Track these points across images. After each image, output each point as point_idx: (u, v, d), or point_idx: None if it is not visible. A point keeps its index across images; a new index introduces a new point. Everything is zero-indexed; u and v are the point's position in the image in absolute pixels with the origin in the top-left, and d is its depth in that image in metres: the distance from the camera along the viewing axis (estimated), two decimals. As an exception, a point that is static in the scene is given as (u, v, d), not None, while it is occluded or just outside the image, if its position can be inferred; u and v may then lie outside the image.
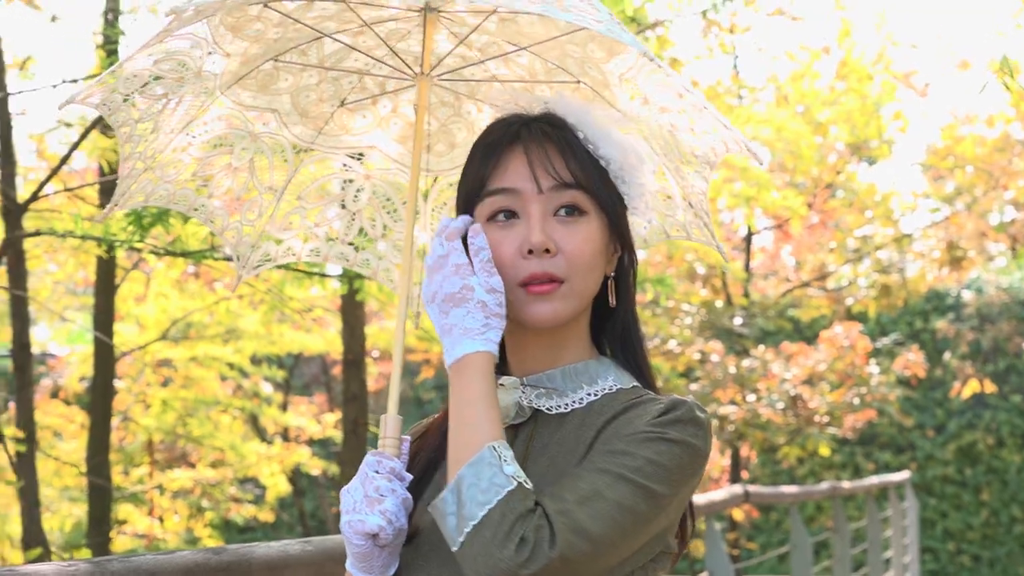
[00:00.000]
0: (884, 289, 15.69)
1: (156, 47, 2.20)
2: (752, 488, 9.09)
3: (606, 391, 2.17)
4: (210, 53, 2.26)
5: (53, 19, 8.52)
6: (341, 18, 2.31)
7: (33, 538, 7.48)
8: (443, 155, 2.58)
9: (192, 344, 10.78)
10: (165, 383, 11.98)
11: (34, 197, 6.86)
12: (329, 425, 12.90)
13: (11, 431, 7.21)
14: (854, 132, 14.73)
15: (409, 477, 2.12)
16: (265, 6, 2.23)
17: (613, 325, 2.24)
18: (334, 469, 12.32)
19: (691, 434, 2.06)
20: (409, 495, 2.08)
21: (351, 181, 2.55)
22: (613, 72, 2.37)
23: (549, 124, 2.16)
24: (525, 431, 2.17)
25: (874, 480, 14.84)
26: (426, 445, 2.27)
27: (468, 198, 2.17)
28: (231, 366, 11.90)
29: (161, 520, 12.26)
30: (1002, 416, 20.78)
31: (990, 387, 19.34)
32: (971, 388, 18.89)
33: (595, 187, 2.13)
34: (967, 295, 20.99)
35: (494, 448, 1.96)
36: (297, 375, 15.93)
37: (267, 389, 13.02)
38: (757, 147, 2.34)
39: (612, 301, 2.21)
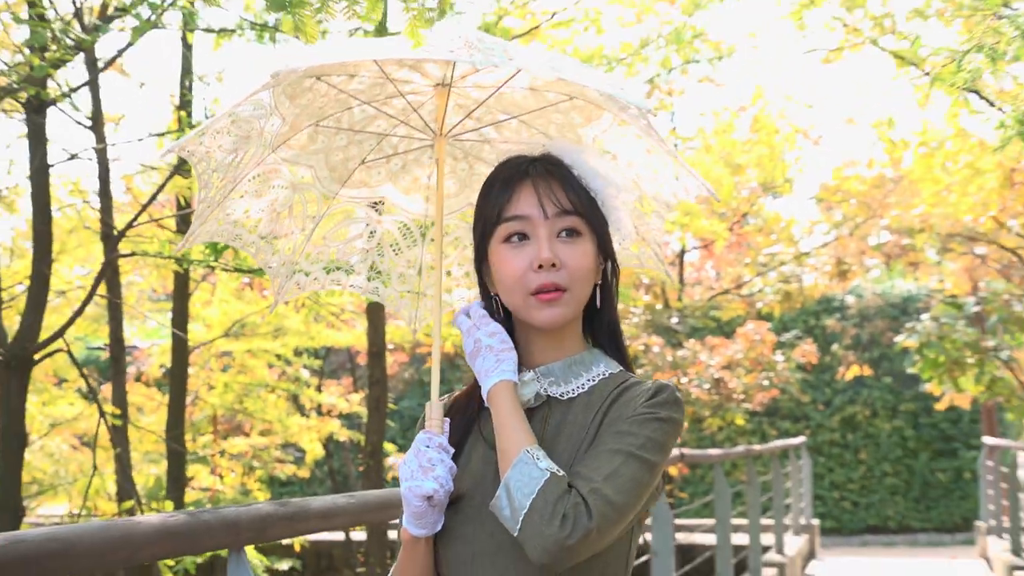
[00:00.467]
0: (786, 295, 15.64)
1: (233, 110, 2.19)
2: (686, 450, 9.09)
3: (601, 376, 2.18)
4: (270, 116, 2.24)
5: (141, 85, 8.47)
6: (372, 92, 2.30)
7: (126, 492, 7.45)
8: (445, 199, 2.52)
9: (248, 339, 10.78)
10: (225, 369, 11.94)
11: (129, 226, 6.80)
12: (355, 403, 12.88)
13: (109, 408, 7.19)
14: (763, 173, 14.81)
15: (452, 450, 2.12)
16: (318, 79, 2.22)
17: (600, 322, 2.23)
18: (359, 437, 12.31)
19: (674, 411, 2.09)
20: (454, 464, 2.10)
21: (367, 225, 2.53)
22: (587, 135, 2.39)
23: (550, 162, 2.17)
24: (540, 413, 2.16)
25: (777, 443, 14.88)
26: (454, 421, 2.24)
27: (486, 224, 2.17)
28: (278, 356, 11.89)
29: (221, 477, 12.23)
30: (876, 393, 21.20)
31: (867, 371, 19.56)
32: (853, 372, 19.04)
33: (588, 213, 2.14)
34: (850, 299, 21.19)
35: (528, 451, 1.99)
36: (328, 363, 15.89)
37: (305, 374, 12.97)
38: (712, 189, 2.33)
39: (599, 304, 2.20)
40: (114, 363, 7.84)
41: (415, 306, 2.58)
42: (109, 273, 7.16)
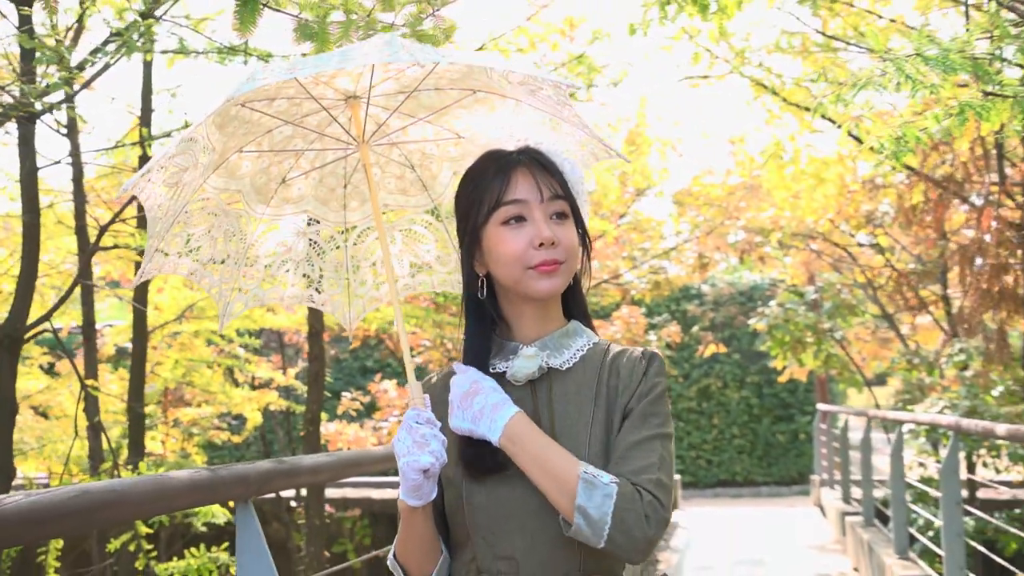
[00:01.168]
0: (655, 284, 15.57)
1: (175, 148, 2.05)
2: None
3: (588, 347, 2.08)
4: (204, 149, 2.10)
5: (112, 99, 8.31)
6: (290, 112, 2.16)
7: (98, 456, 7.35)
8: (356, 210, 2.42)
9: (196, 322, 10.61)
10: (168, 347, 11.75)
11: (111, 222, 6.70)
12: (290, 377, 12.77)
13: (90, 382, 7.05)
14: (640, 180, 14.92)
15: (439, 423, 1.97)
16: (242, 106, 2.09)
17: (576, 297, 2.13)
18: (294, 407, 12.20)
19: (665, 376, 2.05)
20: (444, 437, 1.95)
21: (295, 237, 2.37)
22: (492, 125, 2.27)
23: (535, 153, 2.07)
24: (542, 385, 2.04)
25: None
26: (434, 398, 2.10)
27: (484, 209, 2.04)
28: (221, 336, 11.63)
29: (163, 443, 12.02)
30: (727, 368, 21.32)
31: (721, 348, 19.69)
32: (709, 350, 19.02)
33: (570, 197, 2.06)
34: (707, 288, 21.25)
35: (586, 472, 1.87)
36: (261, 342, 15.72)
37: (241, 352, 12.78)
38: (617, 150, 2.28)
39: (582, 280, 2.13)
40: (86, 341, 7.70)
41: (347, 307, 2.44)
42: (87, 266, 7.07)
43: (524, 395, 2.04)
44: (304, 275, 2.40)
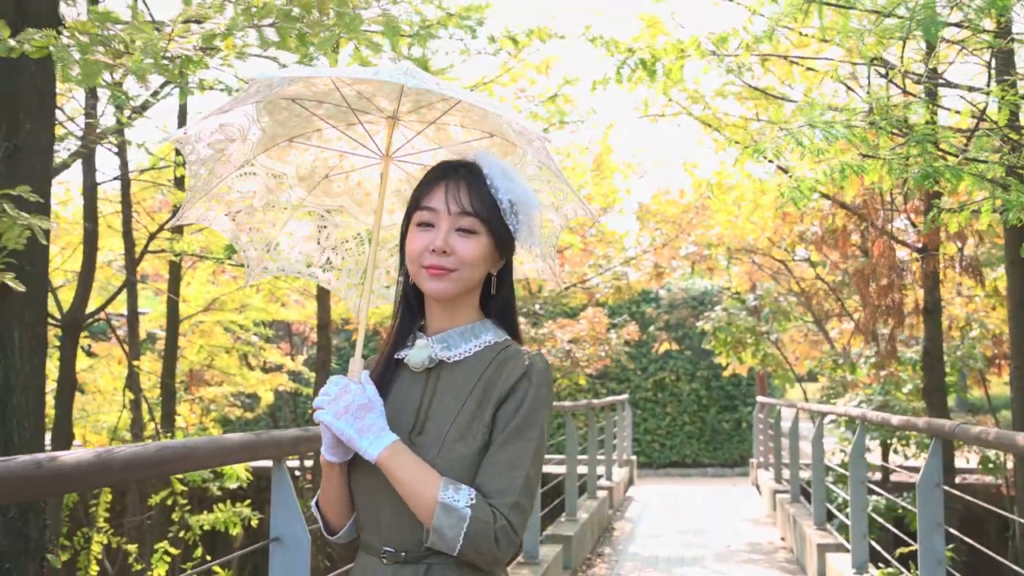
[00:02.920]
0: (617, 289, 15.85)
1: (223, 115, 2.08)
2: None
3: (486, 344, 2.00)
4: (251, 125, 2.12)
5: (158, 127, 8.61)
6: (337, 117, 2.17)
7: (138, 425, 7.67)
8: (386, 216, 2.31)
9: (219, 313, 10.85)
10: (193, 333, 12.00)
11: (160, 229, 7.08)
12: (298, 363, 13.00)
13: (135, 363, 7.36)
14: (604, 199, 15.17)
15: (358, 389, 1.89)
16: (293, 102, 2.11)
17: (495, 301, 2.05)
18: (301, 389, 12.42)
19: (545, 387, 1.94)
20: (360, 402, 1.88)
21: (326, 228, 2.36)
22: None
23: (467, 170, 2.00)
24: (434, 374, 2.00)
25: (608, 399, 14.98)
26: (376, 374, 2.04)
27: (409, 209, 2.02)
28: (240, 326, 11.84)
29: (185, 418, 12.30)
30: (680, 363, 21.16)
31: (675, 346, 19.71)
32: (664, 347, 18.97)
33: (486, 217, 1.96)
34: (663, 293, 21.20)
35: (443, 498, 1.80)
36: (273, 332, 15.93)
37: (255, 340, 13.04)
38: (592, 211, 2.28)
39: (493, 290, 2.03)
40: (130, 328, 8.07)
41: (358, 296, 2.37)
42: (131, 265, 7.44)
43: (417, 381, 2.01)
44: (327, 260, 2.39)
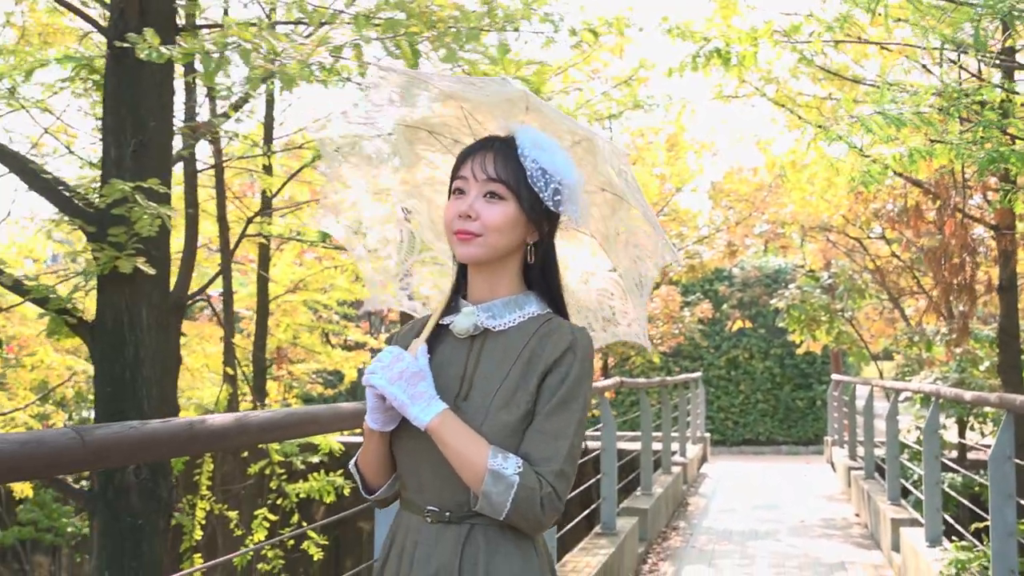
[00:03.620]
0: (691, 267, 15.98)
1: (359, 130, 2.14)
2: (624, 380, 9.69)
3: (529, 316, 2.01)
4: (392, 156, 2.19)
5: (251, 115, 9.00)
6: (461, 131, 2.17)
7: (235, 399, 8.07)
8: None
9: (305, 292, 11.22)
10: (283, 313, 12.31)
11: (258, 213, 7.43)
12: (381, 341, 13.30)
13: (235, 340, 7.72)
14: (678, 178, 15.28)
15: (411, 358, 1.91)
16: (430, 133, 2.14)
17: (534, 272, 2.04)
18: None
19: (587, 361, 1.98)
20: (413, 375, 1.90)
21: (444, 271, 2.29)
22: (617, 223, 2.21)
23: (502, 142, 2.00)
24: (478, 341, 2.01)
25: (682, 376, 15.24)
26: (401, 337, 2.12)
27: (450, 180, 2.03)
28: (324, 306, 12.11)
29: (267, 393, 12.73)
30: (753, 341, 21.19)
31: (748, 324, 19.92)
32: (737, 325, 19.34)
33: (513, 183, 1.95)
34: (736, 271, 21.11)
35: (492, 464, 1.84)
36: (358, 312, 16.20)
37: (336, 319, 13.39)
38: (679, 256, 2.30)
39: (530, 259, 2.02)
40: (225, 307, 8.49)
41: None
42: (226, 245, 7.87)
43: (460, 347, 2.02)
44: (426, 298, 2.34)
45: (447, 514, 1.95)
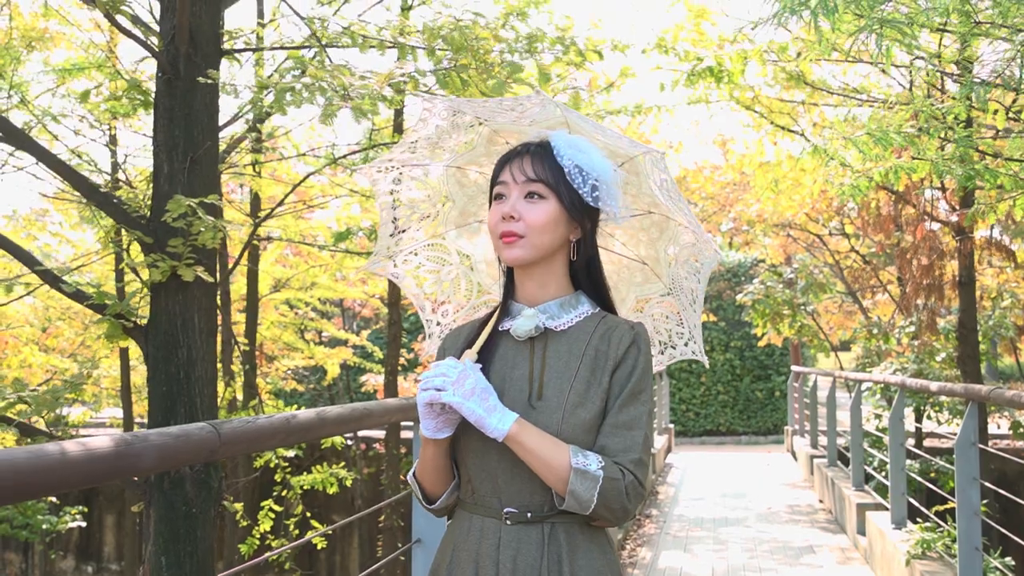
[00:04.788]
0: None
1: (413, 168, 2.21)
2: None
3: (585, 315, 2.05)
4: (439, 197, 2.25)
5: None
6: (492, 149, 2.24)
7: (248, 396, 8.24)
8: None
9: (288, 292, 11.40)
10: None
11: (259, 223, 7.69)
12: (363, 338, 13.49)
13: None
14: None
15: (478, 373, 1.94)
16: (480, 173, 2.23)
17: (580, 271, 2.08)
18: (367, 364, 12.92)
19: (649, 351, 2.03)
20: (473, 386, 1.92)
21: (453, 267, 2.38)
22: (659, 246, 2.32)
23: (537, 146, 2.03)
24: (540, 342, 2.04)
25: None
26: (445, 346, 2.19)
27: (490, 187, 2.08)
28: (305, 303, 12.34)
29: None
30: (715, 333, 21.44)
31: (712, 317, 20.20)
32: (701, 318, 19.88)
33: (553, 182, 1.99)
34: None
35: (575, 463, 1.88)
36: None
37: (314, 315, 13.51)
38: (720, 255, 2.29)
39: (573, 256, 2.06)
40: (224, 308, 8.68)
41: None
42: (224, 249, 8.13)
43: (523, 349, 2.05)
44: (436, 293, 2.41)
45: (528, 515, 1.97)
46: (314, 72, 4.02)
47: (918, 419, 12.73)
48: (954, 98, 5.09)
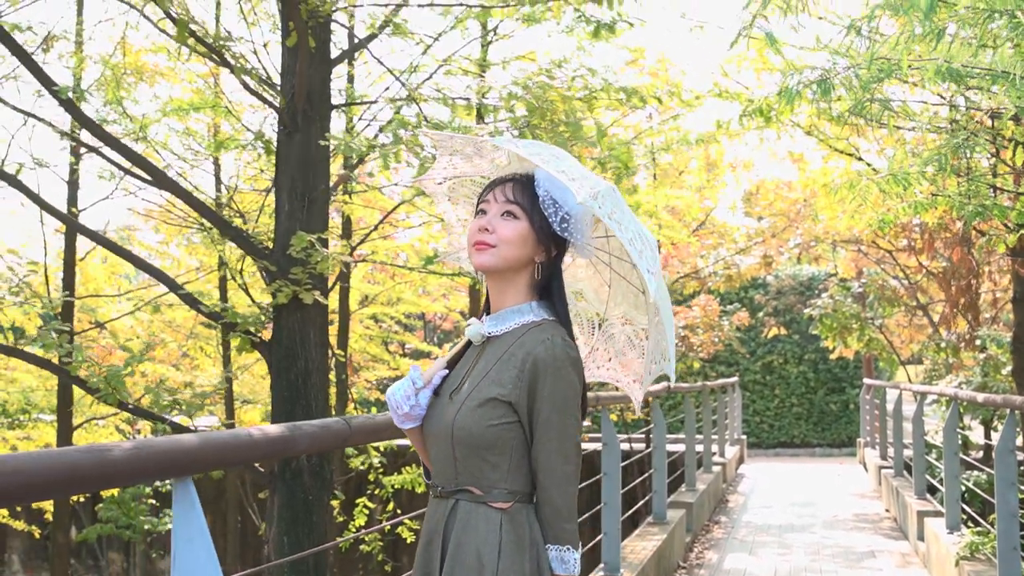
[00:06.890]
0: (728, 277, 16.55)
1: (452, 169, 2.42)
2: (671, 384, 10.45)
3: (526, 322, 2.20)
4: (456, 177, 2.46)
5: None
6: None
7: (342, 403, 8.99)
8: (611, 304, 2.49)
9: (372, 306, 12.11)
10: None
11: (355, 247, 8.44)
12: (445, 350, 14.04)
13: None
14: (715, 197, 15.92)
15: (427, 391, 2.25)
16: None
17: (540, 286, 2.24)
18: None
19: (572, 371, 2.14)
20: (419, 402, 2.24)
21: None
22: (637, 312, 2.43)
23: (522, 175, 2.24)
24: (484, 346, 2.24)
25: (720, 381, 15.84)
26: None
27: (477, 202, 2.27)
28: (391, 317, 13.01)
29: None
30: (788, 347, 21.62)
31: (783, 331, 20.38)
32: (773, 331, 19.80)
33: (526, 207, 2.19)
34: (771, 279, 21.62)
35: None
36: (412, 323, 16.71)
37: (398, 329, 14.16)
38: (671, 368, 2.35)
39: (537, 276, 2.23)
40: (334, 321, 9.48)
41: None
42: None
43: (474, 352, 2.27)
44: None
45: (439, 488, 2.23)
46: (409, 139, 4.76)
47: (987, 432, 12.95)
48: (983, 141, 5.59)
